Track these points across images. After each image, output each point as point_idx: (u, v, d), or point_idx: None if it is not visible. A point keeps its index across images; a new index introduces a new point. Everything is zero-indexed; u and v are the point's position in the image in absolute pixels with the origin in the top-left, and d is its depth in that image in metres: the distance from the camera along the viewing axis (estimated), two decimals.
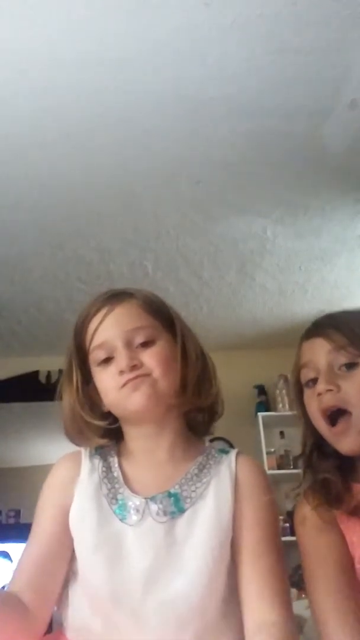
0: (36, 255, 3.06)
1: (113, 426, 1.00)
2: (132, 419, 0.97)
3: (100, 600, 0.87)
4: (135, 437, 0.99)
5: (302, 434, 1.07)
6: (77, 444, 1.00)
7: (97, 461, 0.97)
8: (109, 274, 3.26)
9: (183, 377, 0.96)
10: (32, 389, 3.83)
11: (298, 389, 1.06)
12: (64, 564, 0.92)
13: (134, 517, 0.89)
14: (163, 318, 1.00)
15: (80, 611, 0.90)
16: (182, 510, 0.90)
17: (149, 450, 0.97)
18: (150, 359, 0.94)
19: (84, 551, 0.90)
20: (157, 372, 0.93)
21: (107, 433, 1.00)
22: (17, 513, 3.66)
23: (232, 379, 3.74)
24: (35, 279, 3.26)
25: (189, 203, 2.75)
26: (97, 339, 0.96)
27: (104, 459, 0.97)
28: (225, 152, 2.43)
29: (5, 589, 0.91)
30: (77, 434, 0.98)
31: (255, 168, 2.55)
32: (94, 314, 0.98)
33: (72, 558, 0.92)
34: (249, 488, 0.93)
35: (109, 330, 0.96)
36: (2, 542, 3.35)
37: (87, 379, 0.99)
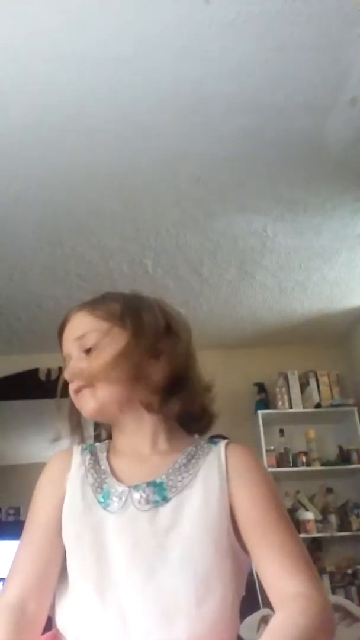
0: (36, 252, 3.06)
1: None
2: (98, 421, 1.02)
3: (87, 596, 0.86)
4: (117, 433, 1.01)
5: None
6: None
7: (86, 456, 0.99)
8: (109, 272, 3.26)
9: (146, 373, 0.96)
10: (32, 387, 3.83)
11: None
12: (58, 563, 0.92)
13: (115, 504, 0.89)
14: (117, 317, 0.99)
15: (69, 610, 0.89)
16: (165, 499, 0.89)
17: (132, 445, 0.98)
18: (88, 365, 0.96)
19: (68, 540, 0.91)
20: (94, 378, 0.95)
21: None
22: (17, 511, 3.66)
23: (232, 377, 3.78)
24: (34, 276, 3.26)
25: (188, 200, 2.75)
26: (64, 352, 1.02)
27: (94, 454, 0.99)
28: (225, 149, 2.43)
29: (4, 589, 0.91)
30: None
31: (255, 165, 2.55)
32: (62, 327, 1.03)
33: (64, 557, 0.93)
34: (240, 471, 0.93)
35: (64, 343, 1.02)
36: (1, 540, 3.35)
37: None
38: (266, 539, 0.87)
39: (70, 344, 0.99)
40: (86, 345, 0.97)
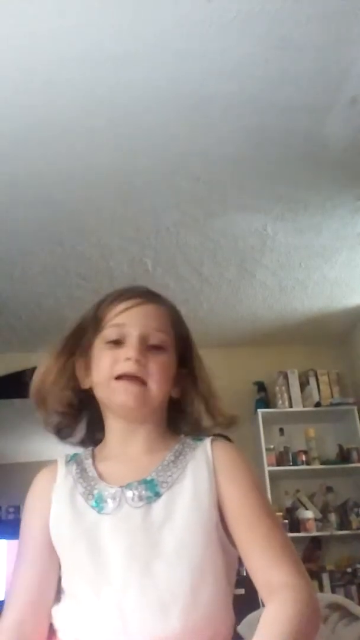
0: (36, 251, 3.06)
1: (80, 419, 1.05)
2: (113, 408, 1.00)
3: (85, 599, 0.87)
4: (113, 426, 1.01)
5: None
6: (43, 418, 1.03)
7: (72, 466, 0.99)
8: (109, 271, 3.26)
9: (182, 395, 1.02)
10: None
11: None
12: (56, 576, 0.94)
13: (110, 506, 0.90)
14: (179, 336, 1.03)
15: (67, 613, 0.91)
16: (158, 495, 0.90)
17: (124, 446, 0.99)
18: (155, 364, 0.96)
19: (62, 549, 0.92)
20: (154, 381, 0.96)
21: (69, 413, 1.03)
22: (17, 509, 3.66)
23: (232, 376, 3.77)
24: (34, 275, 3.26)
25: (188, 199, 2.75)
26: (119, 319, 0.99)
27: (79, 463, 1.00)
28: (225, 148, 2.43)
29: (2, 613, 0.92)
30: (40, 402, 1.02)
31: (256, 164, 2.55)
32: (128, 298, 1.01)
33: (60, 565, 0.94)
34: (227, 466, 0.94)
35: (134, 318, 0.98)
36: (1, 538, 3.36)
37: (75, 351, 1.03)
38: (252, 532, 0.89)
39: (144, 327, 0.98)
40: (156, 342, 0.98)
